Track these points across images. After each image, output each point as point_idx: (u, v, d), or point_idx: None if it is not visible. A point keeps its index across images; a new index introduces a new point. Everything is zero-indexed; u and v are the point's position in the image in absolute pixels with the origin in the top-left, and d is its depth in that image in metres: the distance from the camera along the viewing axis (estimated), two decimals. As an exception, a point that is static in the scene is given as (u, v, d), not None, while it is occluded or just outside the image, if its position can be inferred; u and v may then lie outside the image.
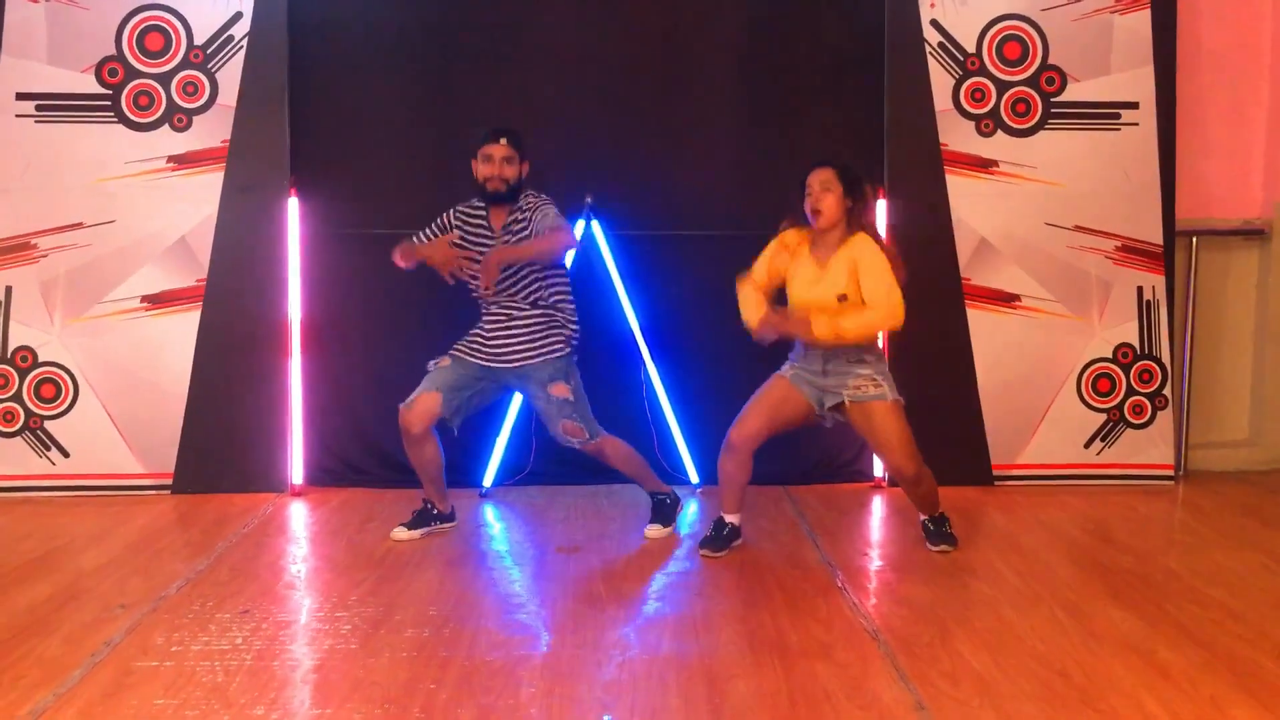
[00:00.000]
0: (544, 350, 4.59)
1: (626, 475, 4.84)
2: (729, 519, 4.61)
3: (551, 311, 4.63)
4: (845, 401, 4.38)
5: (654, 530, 4.78)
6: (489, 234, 4.59)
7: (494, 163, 4.54)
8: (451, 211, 4.70)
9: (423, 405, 4.52)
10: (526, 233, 4.53)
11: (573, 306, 4.70)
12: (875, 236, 4.43)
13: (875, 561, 4.52)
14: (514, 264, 4.49)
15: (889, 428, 4.39)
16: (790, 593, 4.07)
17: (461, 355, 4.62)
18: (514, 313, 4.58)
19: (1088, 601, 3.97)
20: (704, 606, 3.94)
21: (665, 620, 3.82)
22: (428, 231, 4.67)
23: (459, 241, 4.59)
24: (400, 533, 4.69)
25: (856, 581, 4.21)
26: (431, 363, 4.64)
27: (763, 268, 4.47)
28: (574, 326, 4.69)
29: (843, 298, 4.33)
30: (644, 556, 4.55)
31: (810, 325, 4.29)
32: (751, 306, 4.43)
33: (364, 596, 4.01)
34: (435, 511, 4.78)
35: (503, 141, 4.55)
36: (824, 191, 4.35)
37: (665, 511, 4.83)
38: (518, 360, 4.57)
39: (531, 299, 4.59)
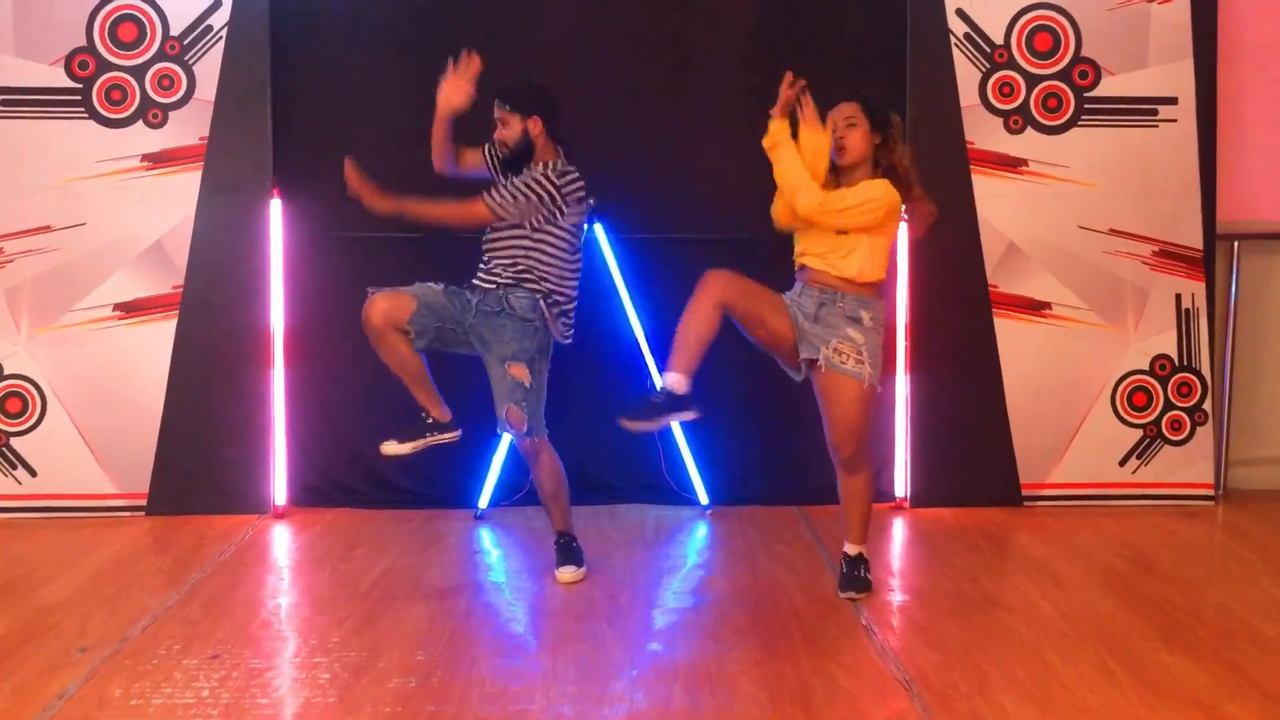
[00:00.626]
0: (518, 291, 4.19)
1: (541, 497, 4.34)
2: (669, 382, 3.90)
3: (538, 280, 4.23)
4: (820, 362, 3.96)
5: (569, 573, 4.23)
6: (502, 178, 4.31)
7: (495, 126, 4.25)
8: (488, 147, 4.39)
9: (392, 301, 4.10)
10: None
11: (568, 295, 4.32)
12: (902, 181, 4.04)
13: (900, 594, 4.17)
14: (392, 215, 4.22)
15: (850, 410, 3.97)
16: (811, 633, 3.73)
17: (449, 295, 4.20)
18: (496, 250, 4.27)
19: (1137, 643, 3.63)
20: (717, 651, 3.60)
21: (676, 668, 3.47)
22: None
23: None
24: (391, 446, 4.22)
25: (882, 619, 3.87)
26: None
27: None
28: (561, 306, 4.29)
29: (842, 232, 3.97)
30: (650, 589, 4.21)
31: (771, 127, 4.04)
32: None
33: (346, 638, 3.67)
34: (430, 420, 4.28)
35: (496, 103, 4.23)
36: (849, 127, 4.02)
37: (574, 553, 4.32)
38: (492, 281, 4.20)
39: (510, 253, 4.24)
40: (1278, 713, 3.13)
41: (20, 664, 3.44)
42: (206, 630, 3.73)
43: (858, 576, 4.11)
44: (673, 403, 3.90)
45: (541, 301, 4.21)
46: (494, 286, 4.21)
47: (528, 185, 4.17)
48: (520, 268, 4.21)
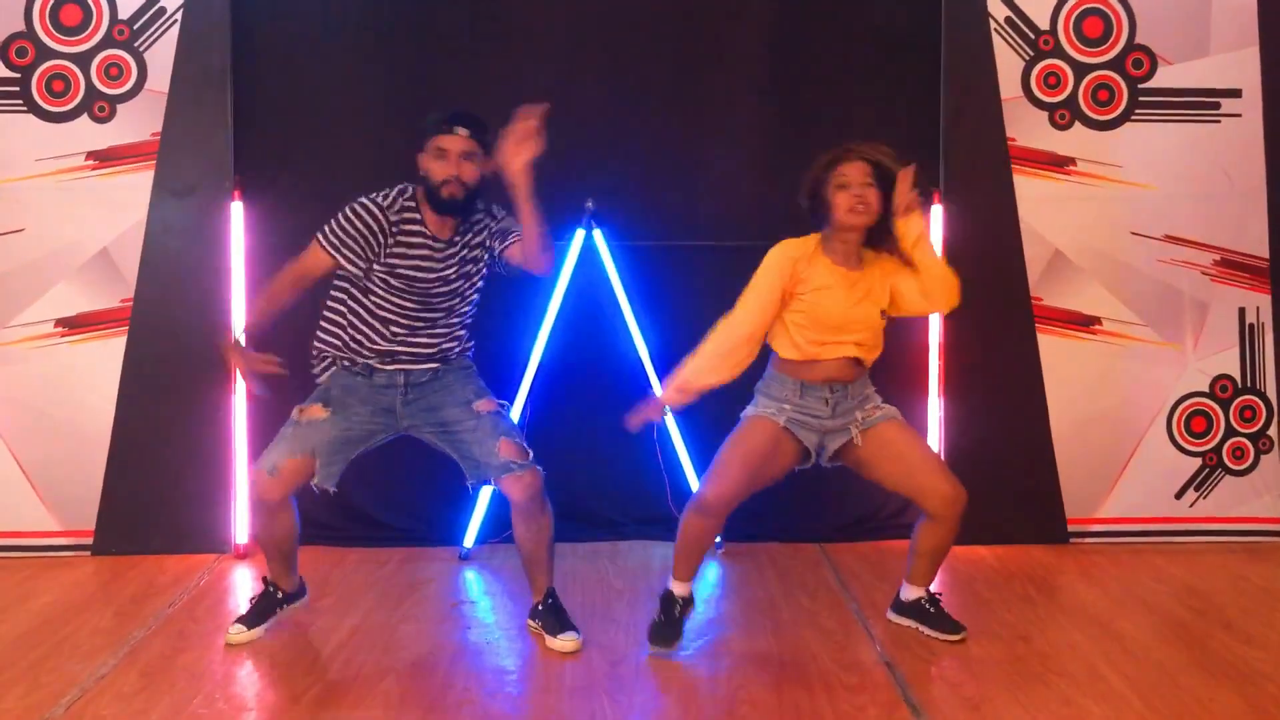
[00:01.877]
0: (457, 346, 3.71)
1: (534, 551, 3.73)
2: (679, 591, 3.69)
3: (465, 328, 3.76)
4: (854, 436, 3.56)
5: (571, 642, 3.64)
6: (430, 244, 3.60)
7: (449, 159, 3.52)
8: (374, 208, 3.57)
9: (289, 473, 3.54)
10: (482, 249, 3.66)
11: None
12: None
13: (944, 659, 3.64)
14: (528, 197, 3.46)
15: (914, 441, 3.64)
16: (843, 711, 3.20)
17: (350, 402, 3.62)
18: (437, 325, 3.69)
19: (1226, 727, 3.12)
20: (737, 731, 3.08)
21: (689, 759, 2.96)
22: (334, 238, 3.61)
23: (403, 259, 3.59)
24: (239, 634, 3.68)
25: (928, 693, 3.35)
26: (298, 409, 3.65)
27: (769, 298, 3.56)
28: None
29: (883, 314, 3.60)
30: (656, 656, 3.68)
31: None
32: (707, 370, 3.60)
33: (305, 714, 3.14)
34: (281, 595, 3.80)
35: (462, 132, 3.54)
36: (867, 186, 3.51)
37: (567, 615, 3.76)
38: (434, 361, 3.64)
39: (455, 317, 3.72)
40: None
41: (-85, 756, 2.92)
42: (141, 707, 3.20)
43: (948, 616, 3.81)
44: (686, 606, 3.72)
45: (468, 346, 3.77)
46: (434, 363, 3.67)
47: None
48: (465, 330, 3.74)
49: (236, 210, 4.61)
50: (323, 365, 3.72)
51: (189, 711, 3.20)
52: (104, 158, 4.58)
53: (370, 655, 3.61)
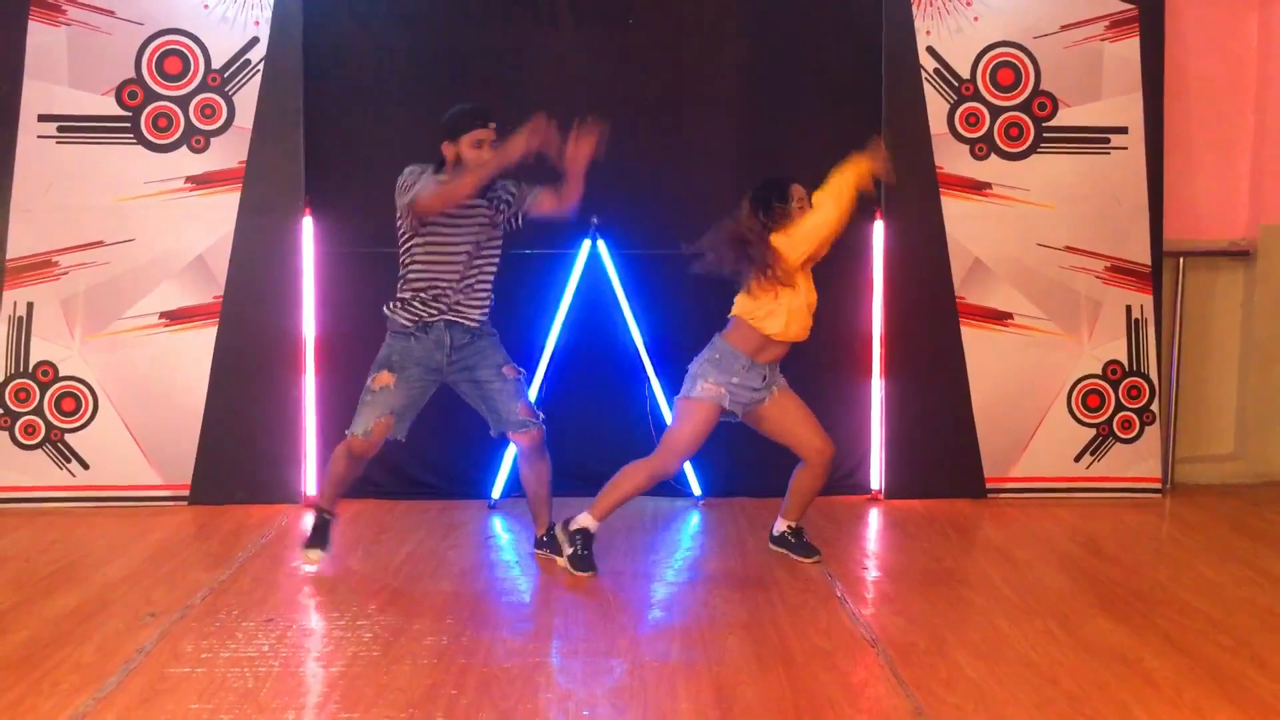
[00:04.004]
0: (485, 320, 4.61)
1: (540, 491, 4.74)
2: (595, 529, 4.63)
3: (489, 295, 4.64)
4: (768, 398, 4.58)
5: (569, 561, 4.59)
6: (460, 211, 4.48)
7: (485, 148, 4.40)
8: (419, 170, 4.48)
9: (378, 432, 4.46)
10: (500, 213, 4.58)
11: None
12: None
13: (873, 573, 4.68)
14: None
15: (800, 405, 4.63)
16: (792, 604, 4.23)
17: (406, 365, 4.49)
18: (485, 278, 4.60)
19: (1078, 613, 4.13)
20: (709, 616, 4.10)
21: (673, 629, 3.98)
22: (414, 180, 4.46)
23: (449, 221, 4.49)
24: (315, 554, 4.60)
25: (856, 592, 4.37)
26: (372, 377, 4.51)
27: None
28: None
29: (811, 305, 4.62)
30: (650, 568, 4.71)
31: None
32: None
33: (383, 606, 4.16)
34: (331, 518, 4.68)
35: (492, 125, 4.44)
36: (801, 210, 4.54)
37: (558, 541, 4.69)
38: (475, 322, 4.53)
39: (482, 284, 4.60)
40: (1191, 665, 3.63)
41: (98, 628, 3.92)
42: (259, 599, 4.22)
43: (808, 543, 4.78)
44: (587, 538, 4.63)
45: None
46: (477, 323, 4.57)
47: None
48: (489, 300, 4.62)
49: (307, 224, 5.60)
50: (408, 315, 4.54)
51: (296, 601, 4.22)
52: (200, 181, 5.55)
53: (426, 569, 4.62)
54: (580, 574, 4.53)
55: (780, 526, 4.82)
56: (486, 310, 4.62)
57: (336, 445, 5.60)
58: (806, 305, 4.54)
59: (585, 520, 4.60)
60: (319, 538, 4.66)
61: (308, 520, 4.81)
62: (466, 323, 4.55)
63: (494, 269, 4.64)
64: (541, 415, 4.65)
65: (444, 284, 4.50)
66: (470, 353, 4.59)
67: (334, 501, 4.70)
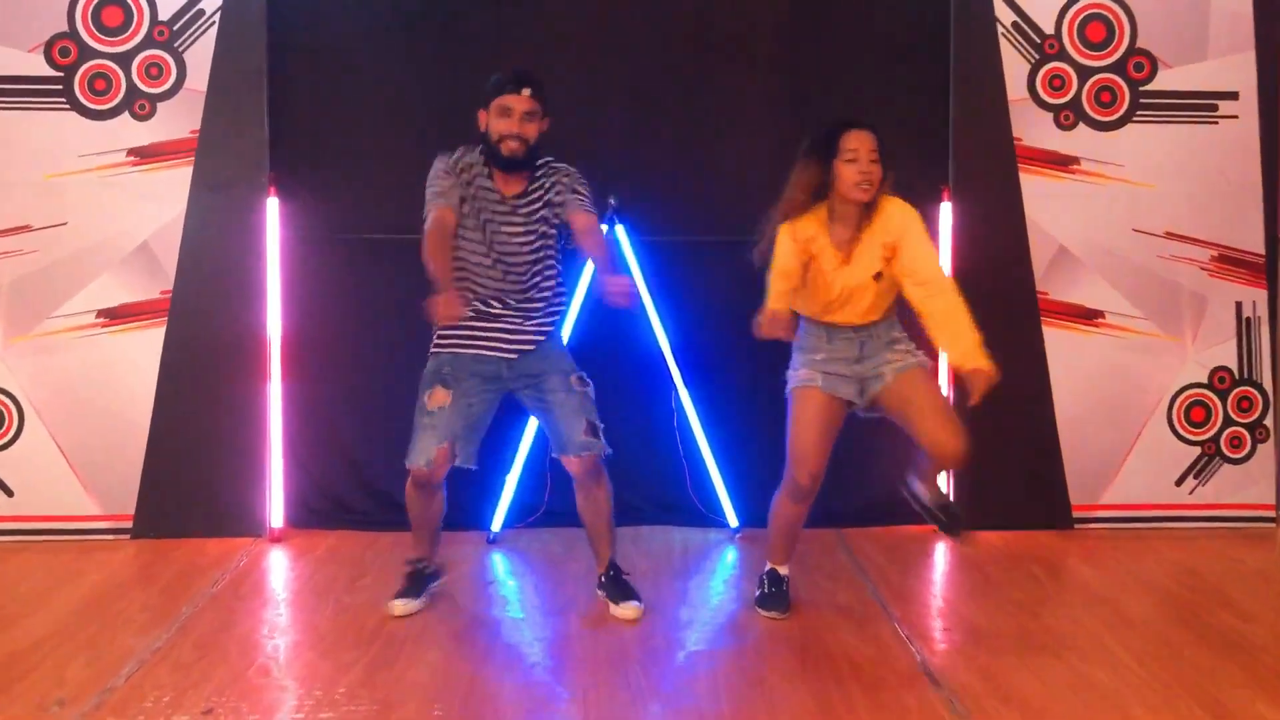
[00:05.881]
0: (556, 321, 3.98)
1: (598, 524, 3.98)
2: (783, 571, 3.99)
3: (556, 292, 3.98)
4: (888, 379, 3.71)
5: (633, 610, 3.89)
6: (500, 204, 3.81)
7: (513, 117, 3.73)
8: (452, 160, 3.83)
9: (441, 460, 3.76)
10: (550, 207, 3.85)
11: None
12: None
13: (960, 634, 3.82)
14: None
15: (934, 391, 3.76)
16: (870, 684, 3.37)
17: (461, 376, 3.81)
18: (529, 294, 3.90)
19: (1229, 693, 3.29)
20: (766, 702, 3.24)
21: (723, 725, 3.13)
22: (437, 192, 3.80)
23: (471, 190, 3.82)
24: (401, 606, 3.90)
25: (945, 664, 3.52)
26: (425, 395, 3.81)
27: (789, 271, 3.71)
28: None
29: (878, 276, 3.69)
30: (685, 628, 3.85)
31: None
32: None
33: (354, 688, 3.30)
34: (430, 571, 4.04)
35: (526, 92, 3.74)
36: (874, 163, 3.64)
37: (622, 584, 3.99)
38: (537, 336, 3.87)
39: (540, 286, 3.93)
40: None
41: (-10, 719, 3.08)
42: (199, 677, 3.36)
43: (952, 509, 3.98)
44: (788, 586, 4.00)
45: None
46: (541, 338, 3.91)
47: (579, 179, 3.91)
48: (557, 300, 3.97)
49: (271, 205, 4.76)
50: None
51: (245, 681, 3.36)
52: (144, 154, 4.72)
53: (411, 629, 3.77)
54: (766, 613, 3.90)
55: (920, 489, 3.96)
56: (552, 320, 3.98)
57: (312, 466, 4.88)
58: (839, 296, 3.69)
59: (769, 564, 4.00)
60: (411, 587, 3.95)
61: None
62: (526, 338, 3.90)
63: (552, 282, 3.96)
64: (603, 438, 3.87)
65: (488, 304, 3.89)
66: (536, 356, 3.86)
67: (425, 546, 4.02)
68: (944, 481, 4.01)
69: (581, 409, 3.82)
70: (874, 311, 3.74)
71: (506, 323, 3.85)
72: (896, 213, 3.69)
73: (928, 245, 3.72)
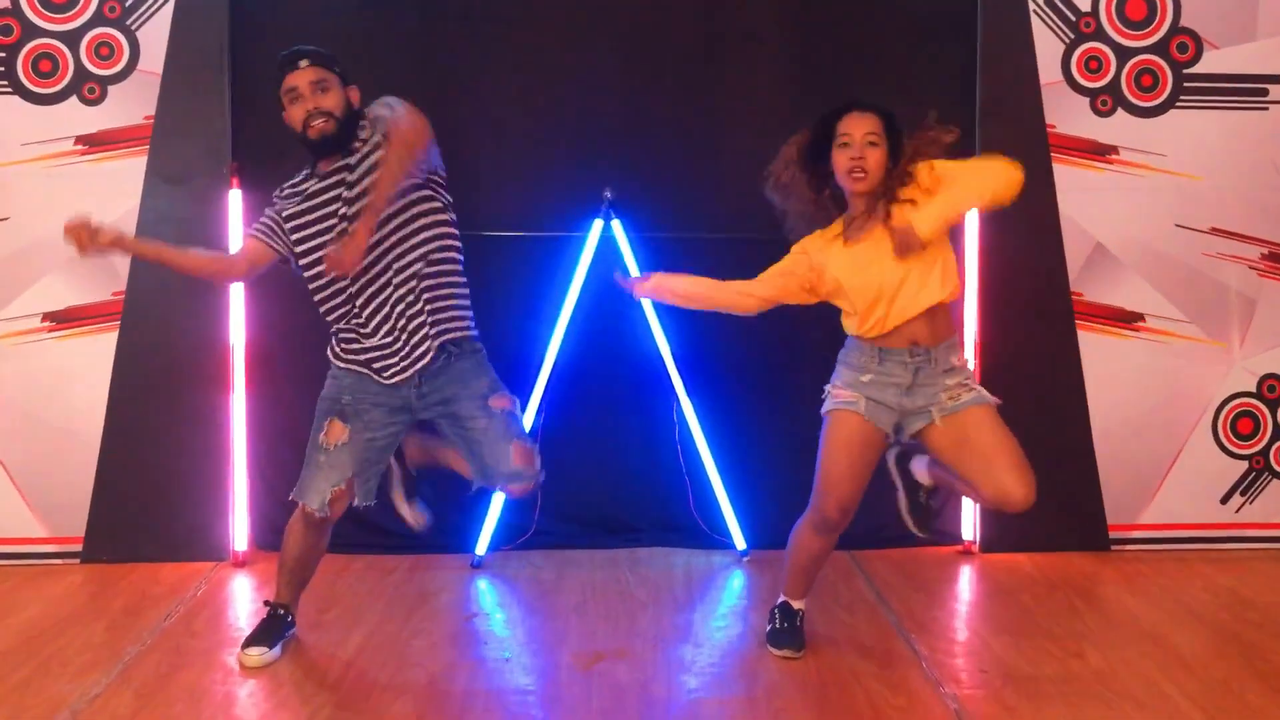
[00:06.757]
0: (459, 324, 3.37)
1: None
2: (797, 605, 3.59)
3: (446, 288, 3.37)
4: (936, 421, 3.27)
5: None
6: (344, 191, 3.29)
7: (303, 97, 3.24)
8: (273, 205, 3.41)
9: (337, 502, 3.36)
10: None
11: (466, 293, 3.45)
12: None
13: (996, 676, 3.41)
14: (383, 206, 3.13)
15: (998, 433, 3.27)
16: (897, 736, 2.98)
17: (363, 409, 3.37)
18: (402, 299, 3.30)
19: (1306, 752, 2.90)
20: (784, 762, 2.84)
21: (735, 792, 2.72)
22: (261, 234, 3.42)
23: (309, 232, 3.33)
24: (260, 655, 3.40)
25: (982, 713, 3.11)
26: (320, 434, 3.38)
27: (781, 279, 3.41)
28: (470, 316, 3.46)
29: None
30: (689, 669, 3.45)
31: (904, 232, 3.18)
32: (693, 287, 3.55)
33: (314, 746, 2.90)
34: (290, 618, 3.57)
35: (304, 63, 3.25)
36: (870, 146, 3.24)
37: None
38: (426, 353, 3.30)
39: (413, 281, 3.31)
40: None
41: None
42: (138, 733, 2.96)
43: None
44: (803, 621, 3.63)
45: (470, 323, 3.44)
46: (426, 357, 3.34)
47: (384, 107, 3.26)
48: (444, 309, 3.35)
49: (234, 198, 4.37)
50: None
51: (191, 736, 2.96)
52: (94, 142, 4.33)
53: (383, 671, 3.38)
54: (778, 652, 3.51)
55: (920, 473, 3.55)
56: (449, 325, 3.39)
57: (279, 484, 4.46)
58: (879, 292, 3.25)
59: (783, 596, 3.63)
60: (265, 635, 3.48)
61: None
62: (417, 354, 3.36)
63: (432, 268, 3.36)
64: (538, 461, 3.42)
65: (357, 336, 3.42)
66: (446, 380, 3.37)
67: (292, 592, 3.55)
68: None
69: (505, 433, 3.35)
70: (929, 295, 3.26)
71: (388, 338, 3.32)
72: (923, 177, 3.24)
73: (957, 165, 3.29)
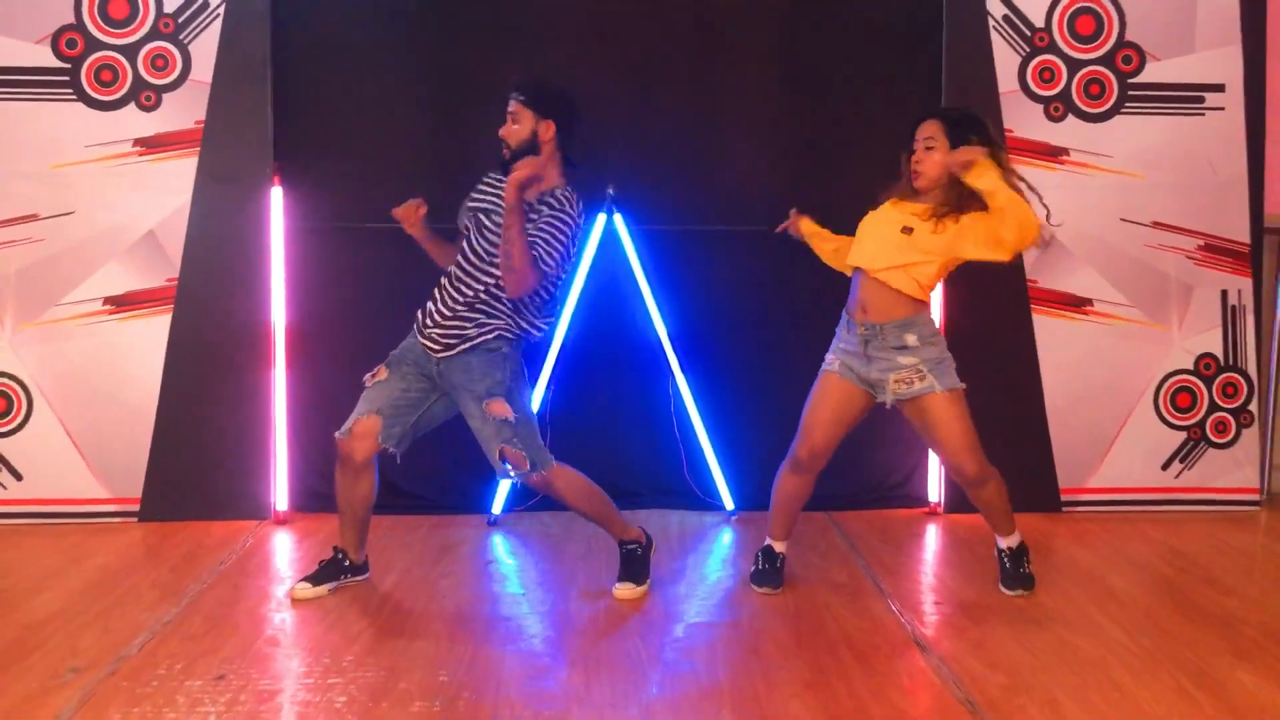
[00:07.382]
0: (474, 342, 3.76)
1: (587, 517, 4.00)
2: (779, 548, 4.08)
3: (497, 303, 3.79)
4: (887, 401, 3.82)
5: (625, 590, 3.91)
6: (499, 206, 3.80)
7: (506, 122, 3.83)
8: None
9: (362, 430, 3.78)
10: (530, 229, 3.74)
11: (543, 306, 3.88)
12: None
13: (948, 607, 3.91)
14: (512, 209, 3.64)
15: (943, 423, 3.81)
16: (862, 652, 3.46)
17: (405, 360, 3.84)
18: (465, 288, 3.80)
19: (1210, 661, 3.39)
20: (763, 669, 3.33)
21: (720, 689, 3.21)
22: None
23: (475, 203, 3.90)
24: (304, 589, 3.89)
25: (937, 638, 3.61)
26: (368, 375, 3.88)
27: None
28: (528, 327, 3.85)
29: (908, 230, 3.75)
30: (682, 602, 3.94)
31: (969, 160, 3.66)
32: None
33: (361, 656, 3.39)
34: (348, 563, 4.01)
35: (513, 96, 3.82)
36: (927, 150, 3.77)
37: (636, 565, 3.99)
38: (440, 350, 3.79)
39: (481, 278, 3.80)
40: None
41: (6, 687, 3.15)
42: (209, 647, 3.44)
43: (1022, 574, 4.01)
44: (784, 562, 4.10)
45: (506, 330, 3.81)
46: (455, 337, 3.79)
47: (561, 216, 3.75)
48: (482, 303, 3.80)
49: (276, 195, 4.82)
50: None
51: (254, 651, 3.44)
52: (150, 144, 4.78)
53: (415, 604, 3.86)
54: (759, 589, 4.00)
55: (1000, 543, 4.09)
56: (473, 324, 3.81)
57: (315, 451, 4.93)
58: (862, 234, 3.88)
59: (766, 539, 4.12)
60: (318, 574, 3.97)
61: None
62: (446, 333, 3.84)
63: (486, 278, 3.81)
64: (530, 465, 3.79)
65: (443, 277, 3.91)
66: (456, 366, 3.82)
67: (347, 535, 4.00)
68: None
69: (496, 436, 3.75)
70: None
71: (438, 309, 3.82)
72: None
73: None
